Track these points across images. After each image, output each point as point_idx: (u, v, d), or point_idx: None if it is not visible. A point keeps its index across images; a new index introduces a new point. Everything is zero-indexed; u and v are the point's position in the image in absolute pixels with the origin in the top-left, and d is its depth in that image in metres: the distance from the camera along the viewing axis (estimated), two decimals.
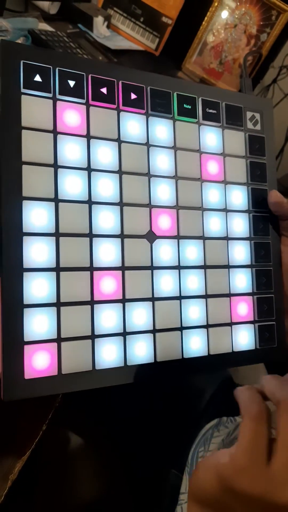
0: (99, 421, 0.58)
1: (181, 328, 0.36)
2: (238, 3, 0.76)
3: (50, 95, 0.32)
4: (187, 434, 0.52)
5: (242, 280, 0.39)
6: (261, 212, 0.41)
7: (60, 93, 0.32)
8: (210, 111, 0.39)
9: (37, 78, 0.31)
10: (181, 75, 0.85)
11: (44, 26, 0.65)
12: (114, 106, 0.35)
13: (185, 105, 0.38)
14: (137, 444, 0.55)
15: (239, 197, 0.40)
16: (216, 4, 0.76)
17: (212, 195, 0.39)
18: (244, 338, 0.39)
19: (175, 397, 0.56)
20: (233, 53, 0.79)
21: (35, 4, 0.75)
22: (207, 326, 0.37)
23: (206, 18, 0.78)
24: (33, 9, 0.74)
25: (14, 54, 0.31)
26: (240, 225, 0.40)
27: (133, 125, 0.35)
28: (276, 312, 0.41)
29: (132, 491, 0.53)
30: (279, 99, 1.08)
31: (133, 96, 0.35)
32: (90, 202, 0.33)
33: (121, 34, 0.83)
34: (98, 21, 0.73)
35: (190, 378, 0.57)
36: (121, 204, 0.34)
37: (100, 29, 0.73)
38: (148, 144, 0.36)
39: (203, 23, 0.79)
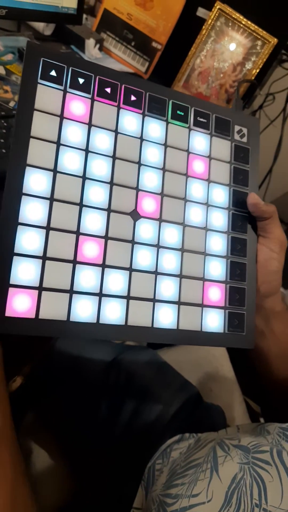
0: (62, 432, 0.58)
1: (154, 300, 0.39)
2: (226, 32, 0.84)
3: (62, 87, 0.38)
4: (146, 448, 0.51)
5: (216, 268, 0.43)
6: (240, 212, 0.45)
7: (70, 87, 0.39)
8: (201, 119, 0.45)
9: (53, 73, 0.38)
10: None
11: None
12: (116, 104, 0.41)
13: (178, 112, 0.44)
14: (98, 456, 0.55)
15: (221, 195, 0.45)
16: (204, 31, 0.83)
17: (196, 189, 0.43)
18: (213, 321, 0.42)
19: (140, 411, 0.55)
20: (220, 79, 0.85)
21: (30, 25, 0.82)
22: (178, 303, 0.40)
23: (194, 44, 0.85)
24: (27, 29, 0.81)
25: (37, 52, 0.38)
26: (220, 219, 0.44)
27: (130, 120, 0.41)
28: (248, 303, 0.44)
29: (91, 501, 0.52)
30: (265, 125, 1.15)
31: (133, 98, 0.42)
32: (84, 178, 0.38)
33: (113, 57, 0.91)
34: (90, 43, 0.81)
35: (156, 393, 0.57)
36: (111, 183, 0.39)
37: (91, 51, 0.81)
38: (141, 138, 0.42)
39: (192, 49, 0.85)
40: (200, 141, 0.45)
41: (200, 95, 0.89)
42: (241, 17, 0.81)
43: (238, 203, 0.45)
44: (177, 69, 0.90)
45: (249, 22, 0.80)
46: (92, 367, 0.59)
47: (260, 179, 1.26)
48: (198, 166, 0.44)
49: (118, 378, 0.58)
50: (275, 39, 0.83)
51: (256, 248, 0.45)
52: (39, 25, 0.84)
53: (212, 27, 0.84)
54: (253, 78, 0.80)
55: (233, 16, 0.81)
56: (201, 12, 0.87)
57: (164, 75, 0.91)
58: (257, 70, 0.82)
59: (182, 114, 0.44)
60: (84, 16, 0.89)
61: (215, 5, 0.82)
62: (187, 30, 0.87)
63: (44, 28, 0.83)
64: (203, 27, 0.84)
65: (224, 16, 0.82)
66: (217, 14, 0.83)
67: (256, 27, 0.80)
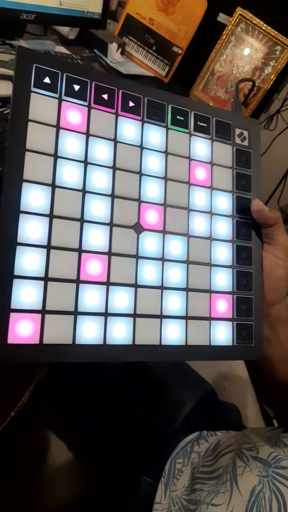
0: (79, 425, 0.58)
1: (161, 316, 0.38)
2: (245, 37, 0.84)
3: (56, 95, 0.36)
4: (163, 443, 0.52)
5: (222, 279, 0.42)
6: (244, 219, 0.44)
7: (65, 95, 0.37)
8: (201, 124, 0.43)
9: (46, 80, 0.36)
10: None
11: (61, 49, 0.73)
12: (113, 111, 0.39)
13: (178, 117, 0.42)
14: (113, 449, 0.55)
15: (224, 202, 0.43)
16: (224, 37, 0.84)
17: (199, 198, 0.42)
18: (221, 334, 0.40)
19: (156, 406, 0.56)
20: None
21: (55, 29, 0.82)
22: (186, 318, 0.39)
23: (214, 49, 0.85)
24: (52, 33, 0.83)
25: (28, 59, 0.35)
26: (224, 228, 0.43)
27: (129, 128, 0.39)
28: (255, 313, 0.43)
29: (107, 494, 0.53)
30: (282, 128, 1.15)
31: (131, 104, 0.40)
32: (84, 191, 0.36)
33: (134, 61, 0.90)
34: (113, 47, 0.80)
35: (172, 388, 0.58)
36: (112, 196, 0.37)
37: (113, 55, 0.80)
38: (141, 147, 0.40)
39: (212, 54, 0.86)
40: (201, 146, 0.43)
41: (218, 99, 0.89)
42: (261, 22, 0.81)
43: (241, 210, 0.44)
44: (196, 73, 0.91)
45: (269, 28, 0.81)
46: (109, 362, 0.59)
47: (276, 182, 1.25)
48: (200, 173, 0.42)
49: (135, 374, 0.58)
50: None
51: (262, 256, 0.44)
52: (64, 30, 0.84)
53: (232, 33, 0.84)
54: (271, 83, 0.80)
55: (254, 21, 0.81)
56: (221, 17, 0.89)
57: (184, 79, 0.92)
58: (276, 75, 0.82)
59: (182, 119, 0.42)
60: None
61: (236, 10, 0.83)
62: (208, 35, 0.88)
63: (68, 32, 0.84)
64: (224, 32, 0.85)
65: (244, 22, 0.83)
66: (237, 20, 0.83)
67: (276, 32, 0.80)
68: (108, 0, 0.80)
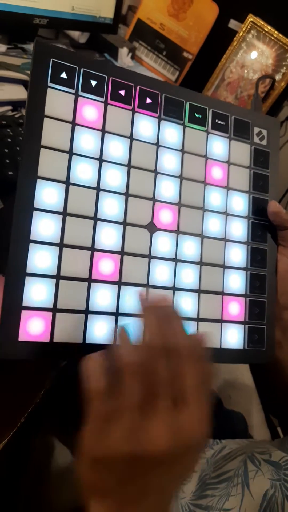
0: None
1: None
2: (256, 44, 0.83)
3: (73, 91, 0.36)
4: None
5: (236, 281, 0.41)
6: (260, 220, 0.43)
7: (82, 90, 0.36)
8: (219, 122, 0.42)
9: (63, 75, 0.35)
10: None
11: None
12: (130, 107, 0.38)
13: (196, 114, 0.41)
14: None
15: (240, 203, 0.42)
16: (235, 43, 0.83)
17: (214, 198, 0.41)
18: (233, 337, 0.40)
19: None
20: (248, 90, 0.85)
21: (66, 33, 0.82)
22: (197, 320, 0.38)
23: (225, 55, 0.85)
24: (64, 37, 0.82)
25: (46, 53, 0.35)
26: (239, 229, 0.42)
27: (145, 125, 0.38)
28: (268, 317, 0.42)
29: None
30: None
31: (148, 100, 0.39)
32: (98, 189, 0.36)
33: (144, 65, 0.90)
34: (123, 52, 0.80)
35: None
36: (126, 194, 0.37)
37: (124, 59, 0.80)
38: (157, 144, 0.39)
39: (222, 60, 0.85)
40: (218, 145, 0.42)
41: None
42: (273, 29, 0.80)
43: (258, 211, 0.43)
44: (206, 79, 0.90)
45: (280, 35, 0.80)
46: None
47: (284, 189, 1.24)
48: (217, 173, 0.42)
49: None
50: None
51: (276, 258, 0.43)
52: (75, 34, 0.85)
53: (243, 39, 0.83)
54: (282, 90, 0.79)
55: (265, 28, 0.80)
56: (233, 24, 0.88)
57: (194, 85, 0.91)
58: (286, 82, 0.81)
59: (200, 116, 0.41)
60: None
61: (248, 17, 0.82)
62: (218, 41, 0.87)
63: (79, 36, 0.84)
64: (235, 38, 0.84)
65: (255, 29, 0.82)
66: (249, 27, 0.82)
67: (287, 40, 0.79)
68: (120, 6, 0.80)
